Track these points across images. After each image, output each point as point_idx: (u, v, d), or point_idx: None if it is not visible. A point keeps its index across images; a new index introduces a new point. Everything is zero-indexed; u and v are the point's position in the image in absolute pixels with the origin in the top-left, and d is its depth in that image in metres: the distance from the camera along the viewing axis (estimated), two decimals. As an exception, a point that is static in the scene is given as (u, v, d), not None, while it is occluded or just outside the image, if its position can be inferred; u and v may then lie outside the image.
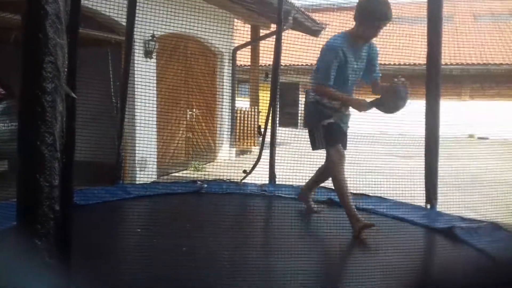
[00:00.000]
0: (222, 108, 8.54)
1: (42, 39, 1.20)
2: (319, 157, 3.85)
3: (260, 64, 9.80)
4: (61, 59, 1.23)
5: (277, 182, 5.11)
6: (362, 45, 3.56)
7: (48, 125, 1.23)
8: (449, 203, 4.14)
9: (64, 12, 1.22)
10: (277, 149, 5.34)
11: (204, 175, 6.72)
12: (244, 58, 10.00)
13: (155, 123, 6.70)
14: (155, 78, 6.77)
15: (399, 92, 3.38)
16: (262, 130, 5.62)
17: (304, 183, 4.24)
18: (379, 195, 4.41)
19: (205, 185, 4.80)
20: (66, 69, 1.27)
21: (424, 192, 4.22)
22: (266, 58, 6.94)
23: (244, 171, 5.44)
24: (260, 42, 9.23)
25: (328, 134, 3.54)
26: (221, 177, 5.30)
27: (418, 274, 2.96)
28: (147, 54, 6.68)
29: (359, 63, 3.57)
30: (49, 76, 1.22)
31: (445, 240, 3.49)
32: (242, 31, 9.44)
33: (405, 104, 3.42)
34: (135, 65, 6.03)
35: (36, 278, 1.36)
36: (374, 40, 3.61)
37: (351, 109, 3.69)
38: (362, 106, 3.48)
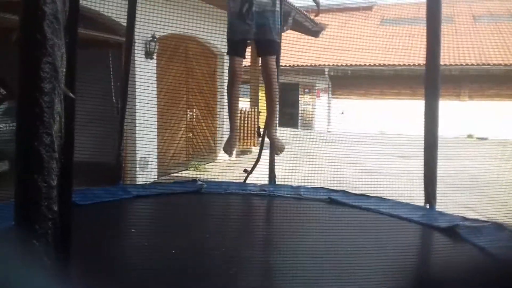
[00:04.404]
0: (222, 108, 8.55)
1: (39, 39, 1.20)
2: (319, 157, 3.86)
3: (259, 64, 9.77)
4: (59, 59, 1.24)
5: (277, 182, 5.12)
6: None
7: (46, 126, 1.23)
8: (448, 203, 4.15)
9: (62, 12, 1.22)
10: (276, 149, 5.33)
11: (205, 175, 6.72)
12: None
13: (155, 123, 6.71)
14: (155, 78, 6.78)
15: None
16: (262, 131, 5.62)
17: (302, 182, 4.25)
18: (378, 195, 4.41)
19: (205, 185, 4.80)
20: (64, 70, 1.27)
21: (423, 192, 4.22)
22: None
23: (245, 171, 5.44)
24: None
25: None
26: (221, 178, 5.30)
27: (420, 273, 2.97)
28: (148, 54, 6.69)
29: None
30: (46, 76, 1.22)
31: (447, 238, 3.49)
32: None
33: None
34: (136, 65, 6.04)
35: (34, 279, 1.36)
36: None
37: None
38: None
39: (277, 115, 3.55)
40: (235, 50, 3.49)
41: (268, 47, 3.51)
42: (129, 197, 4.41)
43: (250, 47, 5.62)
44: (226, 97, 3.64)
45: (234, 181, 5.18)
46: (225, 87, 3.73)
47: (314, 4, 4.11)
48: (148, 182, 5.89)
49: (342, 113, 16.63)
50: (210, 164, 8.16)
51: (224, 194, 4.67)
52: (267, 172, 5.21)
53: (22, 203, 1.32)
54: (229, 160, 8.50)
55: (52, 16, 1.19)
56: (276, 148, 3.50)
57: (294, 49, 5.15)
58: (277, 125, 3.84)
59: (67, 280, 1.50)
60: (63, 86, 1.27)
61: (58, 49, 1.22)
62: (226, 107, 3.59)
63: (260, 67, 3.56)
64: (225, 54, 3.68)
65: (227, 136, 3.58)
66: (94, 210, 3.89)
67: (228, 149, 3.45)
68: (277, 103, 3.59)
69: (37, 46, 1.21)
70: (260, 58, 3.54)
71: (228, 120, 3.75)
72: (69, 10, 1.25)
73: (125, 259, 3.07)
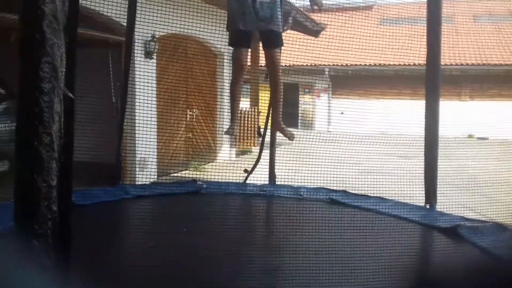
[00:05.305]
0: (222, 108, 8.53)
1: (39, 39, 1.20)
2: (319, 157, 3.85)
3: (260, 64, 9.77)
4: (59, 59, 1.23)
5: (277, 182, 5.11)
6: None
7: (45, 126, 1.23)
8: (449, 203, 4.14)
9: (61, 12, 1.21)
10: (277, 149, 5.34)
11: (205, 175, 6.71)
12: (244, 58, 9.97)
13: (155, 123, 6.69)
14: (155, 78, 6.76)
15: None
16: (262, 130, 5.61)
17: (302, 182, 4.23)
18: (379, 195, 4.40)
19: (205, 185, 4.79)
20: (64, 70, 1.27)
21: (424, 192, 4.22)
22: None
23: (245, 170, 5.44)
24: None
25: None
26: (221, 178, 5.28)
27: (421, 273, 2.96)
28: (148, 54, 6.68)
29: None
30: (46, 76, 1.21)
31: (448, 239, 3.49)
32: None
33: None
34: (136, 65, 6.02)
35: (34, 279, 1.36)
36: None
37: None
38: None
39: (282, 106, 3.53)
40: (240, 40, 3.47)
41: (273, 39, 3.51)
42: (128, 197, 4.40)
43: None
44: (226, 96, 3.65)
45: (234, 181, 5.18)
46: (225, 87, 3.74)
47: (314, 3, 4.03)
48: (147, 182, 5.88)
49: (342, 113, 16.58)
50: (210, 164, 8.15)
51: (224, 194, 4.66)
52: (267, 172, 5.20)
53: (22, 203, 1.31)
54: (229, 160, 8.50)
55: (51, 16, 1.19)
56: (287, 136, 3.47)
57: (294, 49, 5.14)
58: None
59: (67, 280, 1.50)
60: (63, 86, 1.27)
61: (57, 49, 1.22)
62: (227, 104, 3.58)
63: (265, 60, 3.56)
64: (227, 45, 3.67)
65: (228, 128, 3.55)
66: (93, 210, 3.89)
67: (230, 132, 3.42)
68: (282, 94, 3.58)
69: (36, 46, 1.21)
70: (264, 51, 3.52)
71: (229, 116, 3.73)
72: (68, 10, 1.24)
73: (124, 259, 3.07)
